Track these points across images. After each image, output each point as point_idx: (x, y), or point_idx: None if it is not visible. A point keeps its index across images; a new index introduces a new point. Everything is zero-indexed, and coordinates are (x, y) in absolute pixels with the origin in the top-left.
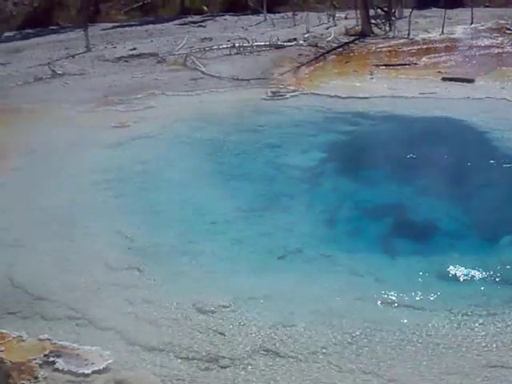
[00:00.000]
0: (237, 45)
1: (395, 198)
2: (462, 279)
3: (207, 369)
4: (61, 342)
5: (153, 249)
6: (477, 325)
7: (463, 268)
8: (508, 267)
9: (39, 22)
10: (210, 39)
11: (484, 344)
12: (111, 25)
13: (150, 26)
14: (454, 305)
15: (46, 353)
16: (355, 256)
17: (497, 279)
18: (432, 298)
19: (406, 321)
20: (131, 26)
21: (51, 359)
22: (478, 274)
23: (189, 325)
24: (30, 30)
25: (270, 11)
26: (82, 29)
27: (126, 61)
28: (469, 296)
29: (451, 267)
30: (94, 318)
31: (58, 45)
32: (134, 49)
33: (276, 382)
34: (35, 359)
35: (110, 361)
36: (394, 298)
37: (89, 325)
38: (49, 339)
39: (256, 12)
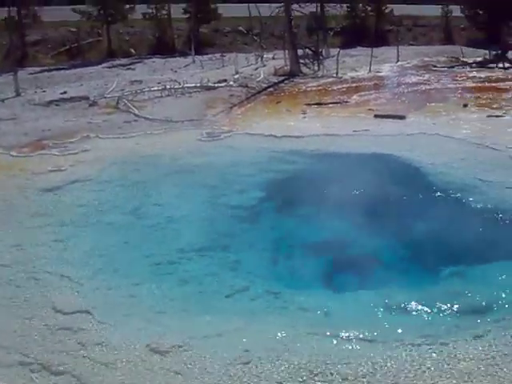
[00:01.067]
0: (168, 87)
1: (334, 234)
2: (408, 310)
3: None
4: None
5: (101, 292)
6: (428, 354)
7: (408, 299)
8: (450, 297)
9: None
10: (140, 82)
11: (438, 372)
12: (39, 69)
13: (79, 70)
14: (403, 336)
15: None
16: (301, 292)
17: (441, 309)
18: (381, 330)
19: (359, 353)
20: (59, 69)
21: None
22: (423, 305)
23: (145, 366)
24: None
25: (197, 53)
26: (9, 73)
27: (58, 104)
28: (417, 326)
29: (396, 299)
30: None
31: None
32: (65, 92)
33: None
34: None
35: None
36: (344, 332)
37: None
38: None
39: (184, 54)
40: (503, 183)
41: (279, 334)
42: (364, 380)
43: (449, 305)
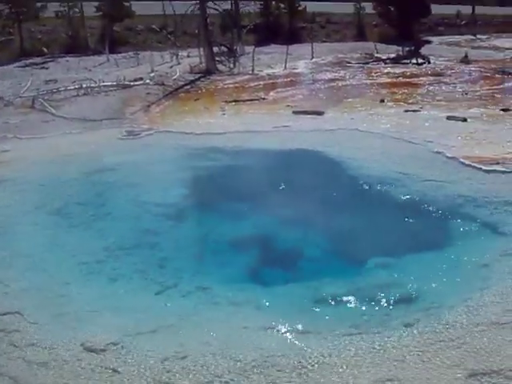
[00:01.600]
0: (84, 85)
1: (261, 228)
2: (338, 302)
3: None
4: None
5: (30, 292)
6: (361, 343)
7: (337, 291)
8: (377, 288)
9: None
10: (55, 81)
11: (371, 360)
12: None
13: None
14: (335, 327)
15: None
16: (231, 287)
17: (368, 300)
18: (312, 322)
19: (294, 344)
20: None
21: None
22: (352, 297)
23: (80, 365)
24: None
25: (111, 52)
26: None
27: None
28: (348, 317)
29: (325, 291)
30: None
31: None
32: None
33: None
34: None
35: None
36: (276, 324)
37: None
38: None
39: (97, 53)
40: (424, 176)
41: (212, 329)
42: (301, 371)
43: (377, 296)
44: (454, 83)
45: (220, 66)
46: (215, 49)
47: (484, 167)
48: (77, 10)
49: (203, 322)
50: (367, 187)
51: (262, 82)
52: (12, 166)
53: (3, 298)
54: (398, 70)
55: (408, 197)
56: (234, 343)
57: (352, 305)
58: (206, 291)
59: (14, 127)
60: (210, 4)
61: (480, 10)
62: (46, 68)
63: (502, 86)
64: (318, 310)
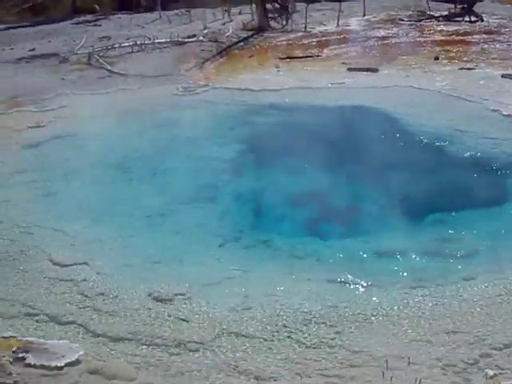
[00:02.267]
0: (138, 42)
1: (319, 184)
2: (398, 256)
3: (177, 353)
4: (26, 338)
5: (96, 243)
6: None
7: (398, 246)
8: (437, 243)
9: None
10: (109, 38)
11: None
12: (3, 26)
13: (44, 27)
14: (397, 280)
15: (14, 349)
16: (291, 240)
17: (430, 254)
18: (373, 275)
19: (359, 296)
20: (24, 26)
21: (20, 355)
22: (412, 251)
23: (149, 314)
24: None
25: (163, 9)
26: None
27: (28, 61)
28: (409, 271)
29: (386, 246)
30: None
31: None
32: (33, 49)
33: (245, 362)
34: (4, 356)
35: (80, 352)
36: (338, 277)
37: (49, 320)
38: (13, 336)
39: (149, 10)
40: (481, 133)
41: (276, 281)
42: (365, 320)
43: (437, 250)
44: (508, 41)
45: (272, 23)
46: (267, 6)
47: None
48: None
49: (266, 274)
50: (424, 143)
51: (315, 39)
52: (70, 121)
53: (70, 249)
54: (452, 27)
55: (465, 153)
56: (297, 294)
57: (412, 259)
58: (266, 244)
59: (71, 83)
60: None
61: None
62: (99, 25)
63: None
64: (378, 263)
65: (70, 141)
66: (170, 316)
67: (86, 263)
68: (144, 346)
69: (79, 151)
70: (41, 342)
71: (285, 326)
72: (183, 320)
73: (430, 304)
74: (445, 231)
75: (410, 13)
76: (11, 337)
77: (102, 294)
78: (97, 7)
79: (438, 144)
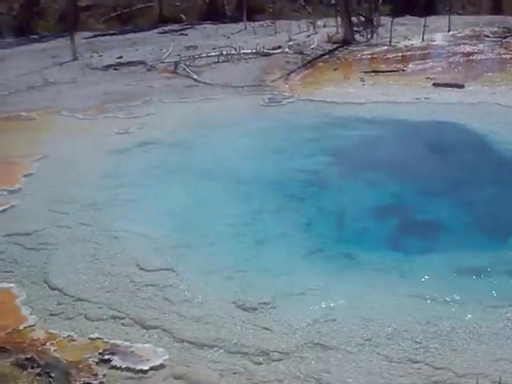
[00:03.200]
0: (224, 52)
1: (403, 198)
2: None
3: (260, 362)
4: (113, 341)
5: (180, 249)
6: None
7: (481, 263)
8: None
9: (19, 30)
10: (195, 47)
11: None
12: (92, 34)
13: (131, 35)
14: (481, 297)
15: (101, 351)
16: (373, 254)
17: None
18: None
19: (441, 314)
20: (112, 34)
21: (106, 357)
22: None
23: (233, 322)
24: (11, 39)
25: (248, 19)
26: (63, 38)
27: (116, 69)
28: (492, 288)
29: (469, 263)
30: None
31: (43, 53)
32: (121, 57)
33: (329, 374)
34: (90, 357)
35: (165, 357)
36: (421, 293)
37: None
38: (100, 338)
39: (234, 20)
40: None
41: (359, 294)
42: (451, 338)
43: None
44: None
45: (357, 37)
46: (353, 19)
47: None
48: None
49: (349, 286)
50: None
51: (400, 54)
52: (157, 128)
53: (155, 255)
54: None
55: None
56: (380, 308)
57: (496, 277)
58: (349, 256)
59: (158, 91)
60: None
61: None
62: (186, 34)
63: None
64: (461, 280)
65: (158, 148)
66: (253, 325)
67: None
68: (228, 353)
69: (166, 158)
70: (126, 345)
71: (368, 340)
72: (266, 329)
73: None
74: None
75: (496, 29)
76: (98, 338)
77: (186, 301)
78: (183, 17)
79: None
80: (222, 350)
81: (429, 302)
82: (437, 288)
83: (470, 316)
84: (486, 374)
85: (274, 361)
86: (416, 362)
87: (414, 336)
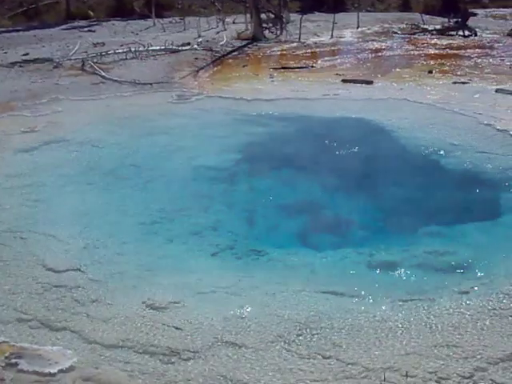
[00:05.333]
0: (133, 49)
1: (312, 194)
2: (391, 268)
3: (170, 362)
4: (19, 344)
5: (89, 250)
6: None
7: (391, 258)
8: (430, 256)
9: None
10: (103, 44)
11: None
12: None
13: (38, 31)
14: (390, 293)
15: (7, 355)
16: (284, 251)
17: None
18: (367, 287)
19: (350, 309)
20: (17, 31)
21: (13, 361)
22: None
23: (142, 322)
24: None
25: (157, 16)
26: None
27: (21, 66)
28: (402, 284)
29: (379, 258)
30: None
31: None
32: (27, 54)
33: (239, 372)
34: None
35: (74, 359)
36: (332, 288)
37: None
38: (5, 341)
39: (143, 17)
40: (474, 147)
41: (269, 291)
42: (356, 333)
43: (432, 263)
44: (501, 56)
45: (267, 33)
46: (262, 16)
47: None
48: None
49: (259, 284)
50: (418, 156)
51: (309, 50)
52: (65, 126)
53: (64, 255)
54: (445, 41)
55: (459, 167)
56: (290, 305)
57: (405, 272)
58: (260, 253)
59: (65, 89)
60: None
61: None
62: (93, 31)
63: None
64: (371, 275)
65: (64, 147)
66: (163, 325)
67: None
68: (137, 354)
69: (73, 157)
70: (34, 348)
71: (279, 336)
72: (177, 328)
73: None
74: (437, 244)
75: (404, 26)
76: (3, 342)
77: (95, 301)
78: (91, 13)
79: (430, 157)
80: (131, 351)
81: (338, 297)
82: (346, 283)
83: (376, 310)
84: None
85: (184, 360)
86: (327, 358)
87: (321, 332)
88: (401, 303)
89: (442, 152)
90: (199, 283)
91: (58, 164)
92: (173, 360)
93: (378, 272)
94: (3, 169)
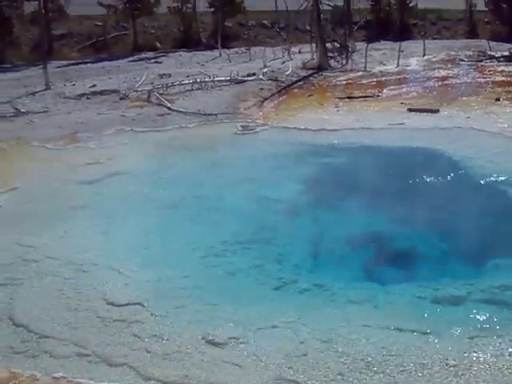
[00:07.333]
0: (198, 80)
1: (379, 226)
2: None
3: None
4: (77, 380)
5: (151, 283)
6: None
7: (456, 292)
8: (497, 290)
9: None
10: (169, 75)
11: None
12: (66, 62)
13: (106, 63)
14: (455, 329)
15: None
16: (347, 285)
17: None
18: (432, 323)
19: (413, 345)
20: (86, 63)
21: None
22: (470, 298)
23: (202, 358)
24: None
25: (223, 47)
26: (36, 67)
27: (88, 98)
28: (468, 320)
29: (443, 292)
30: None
31: (15, 83)
32: (94, 86)
33: None
34: None
35: None
36: (396, 324)
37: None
38: (64, 377)
39: (209, 48)
40: None
41: (332, 327)
42: (423, 371)
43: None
44: None
45: (332, 63)
46: (327, 45)
47: None
48: (189, 5)
49: (322, 319)
50: (486, 186)
51: (374, 79)
52: (129, 158)
53: (125, 288)
54: None
55: None
56: (354, 341)
57: (470, 307)
58: (322, 288)
59: (130, 120)
60: (323, 0)
61: None
62: (160, 62)
63: None
64: (435, 310)
65: (128, 179)
66: (222, 361)
67: None
68: None
69: (137, 189)
70: None
71: (340, 374)
72: (235, 365)
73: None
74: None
75: (470, 53)
76: (62, 377)
77: (155, 336)
78: (158, 44)
79: (497, 187)
80: None
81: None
82: (410, 318)
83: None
84: None
85: None
86: None
87: (388, 372)
88: None
89: (510, 182)
90: None
91: (121, 196)
92: None
93: None
94: (70, 200)
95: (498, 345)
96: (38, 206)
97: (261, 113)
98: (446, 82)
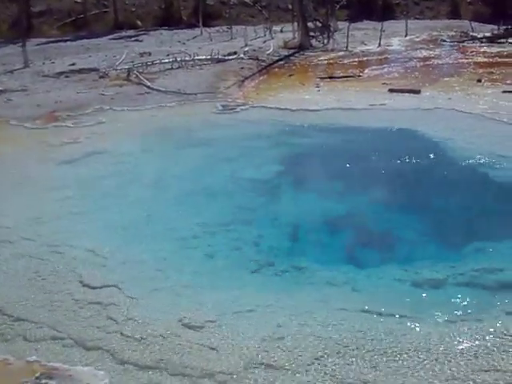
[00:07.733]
0: (178, 59)
1: (356, 208)
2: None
3: None
4: (51, 363)
5: (127, 265)
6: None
7: (436, 276)
8: (477, 273)
9: None
10: (149, 54)
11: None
12: (45, 40)
13: (85, 41)
14: (435, 312)
15: (38, 375)
16: (326, 267)
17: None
18: (412, 307)
19: (393, 329)
20: (65, 41)
21: (43, 381)
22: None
23: (178, 341)
24: None
25: (204, 25)
26: (15, 44)
27: (68, 76)
28: (448, 303)
29: (425, 275)
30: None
31: None
32: (74, 64)
33: None
34: (27, 382)
35: (105, 381)
36: (375, 307)
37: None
38: (37, 361)
39: (191, 26)
40: None
41: (309, 310)
42: (400, 355)
43: (475, 281)
44: None
45: (314, 42)
46: (309, 24)
47: None
48: None
49: (300, 302)
50: (465, 168)
51: (356, 59)
52: (107, 137)
53: (101, 271)
54: (495, 49)
55: (508, 180)
56: (330, 324)
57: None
58: (301, 270)
59: (110, 99)
60: None
61: None
62: (140, 41)
63: None
64: (416, 294)
65: (107, 158)
66: (198, 345)
67: None
68: (171, 376)
69: (115, 168)
70: (65, 368)
71: (317, 358)
72: (212, 349)
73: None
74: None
75: (453, 33)
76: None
77: (131, 319)
78: (139, 22)
79: (477, 169)
80: (164, 373)
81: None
82: (389, 302)
83: (421, 331)
84: None
85: (218, 383)
86: (364, 382)
87: (363, 353)
88: None
89: (488, 163)
90: None
91: (99, 175)
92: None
93: None
94: (47, 181)
95: (477, 329)
96: (14, 187)
97: (241, 92)
98: (427, 63)
